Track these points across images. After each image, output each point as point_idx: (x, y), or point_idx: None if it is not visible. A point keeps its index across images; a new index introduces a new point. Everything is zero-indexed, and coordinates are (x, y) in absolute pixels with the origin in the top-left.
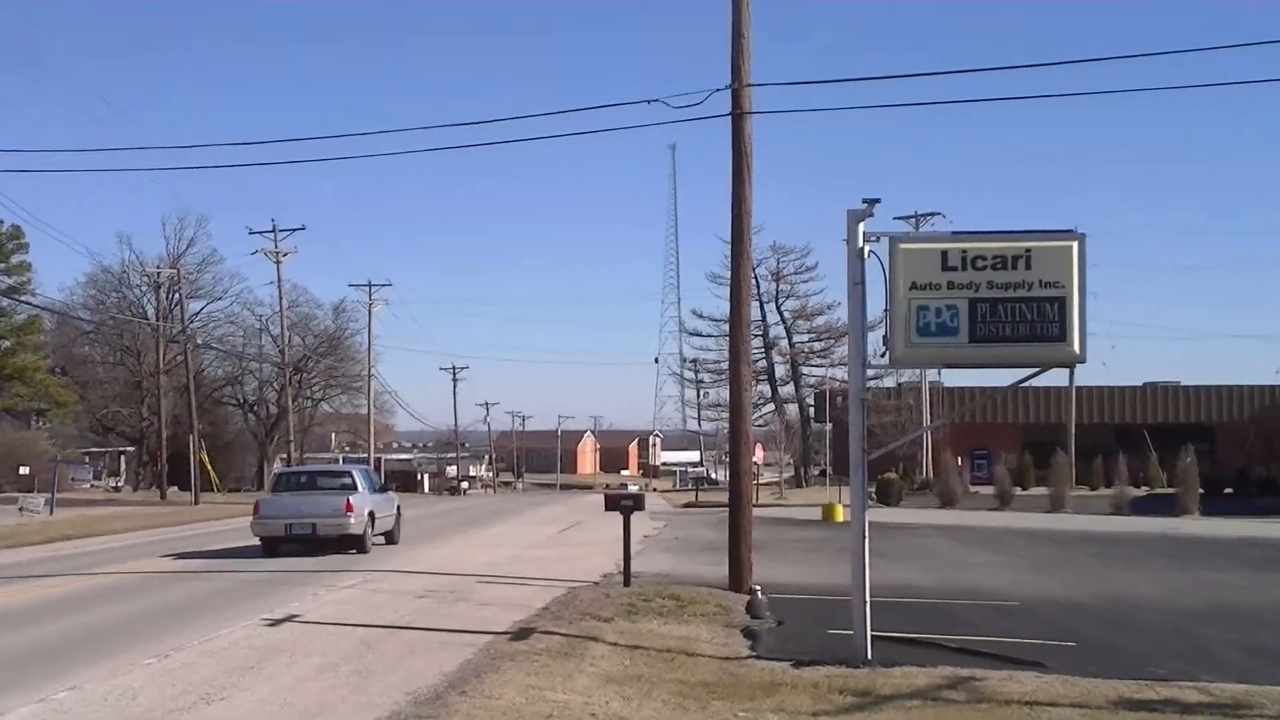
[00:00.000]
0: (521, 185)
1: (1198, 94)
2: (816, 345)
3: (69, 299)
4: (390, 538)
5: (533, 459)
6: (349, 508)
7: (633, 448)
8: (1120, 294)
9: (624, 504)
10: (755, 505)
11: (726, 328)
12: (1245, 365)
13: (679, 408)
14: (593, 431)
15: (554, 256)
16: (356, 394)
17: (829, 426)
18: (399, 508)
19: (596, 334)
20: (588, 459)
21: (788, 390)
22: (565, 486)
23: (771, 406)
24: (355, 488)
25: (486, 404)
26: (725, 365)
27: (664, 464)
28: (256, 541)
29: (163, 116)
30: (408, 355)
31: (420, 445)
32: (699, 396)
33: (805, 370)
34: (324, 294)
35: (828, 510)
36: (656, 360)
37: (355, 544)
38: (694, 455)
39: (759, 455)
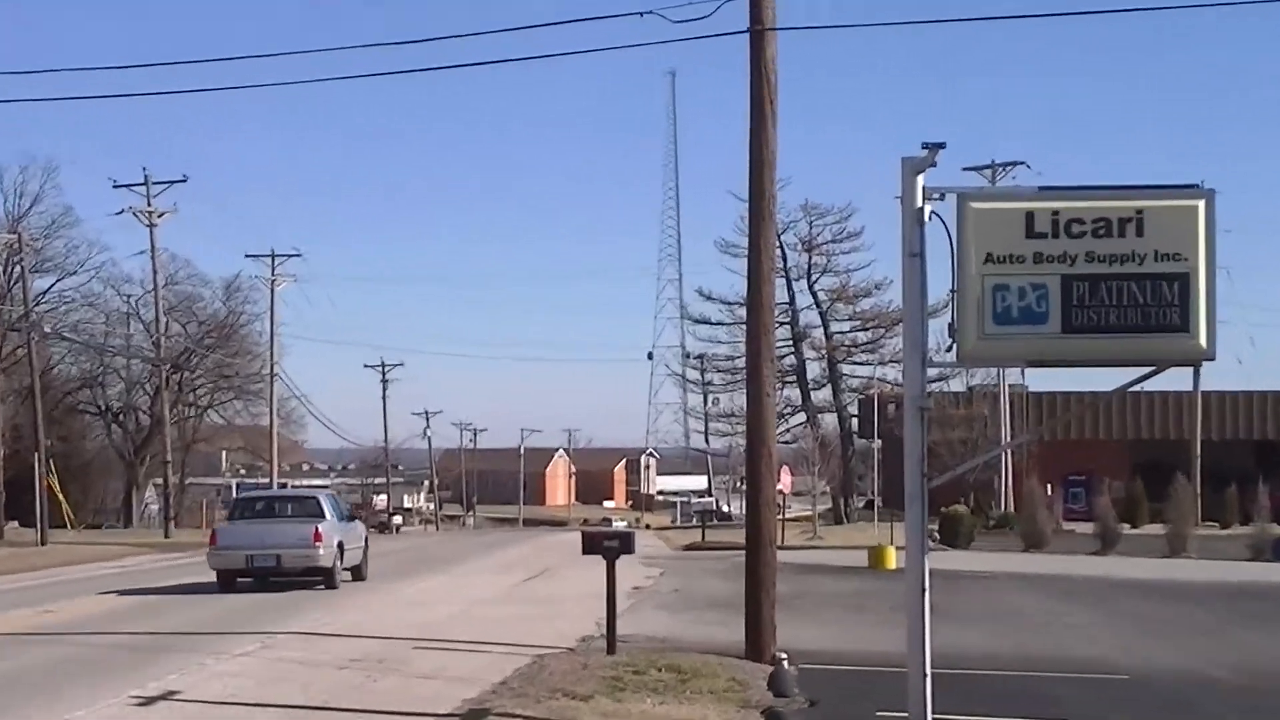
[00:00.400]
0: (473, 131)
1: None
2: (861, 337)
3: None
4: (358, 573)
5: (488, 486)
6: (317, 537)
7: (619, 471)
8: (1260, 270)
9: (607, 545)
10: (781, 547)
11: (742, 313)
12: None
13: (680, 419)
14: (566, 450)
15: (516, 224)
16: (255, 400)
17: (877, 444)
18: (367, 539)
19: (571, 322)
20: (560, 486)
21: (823, 396)
22: (531, 522)
23: (802, 417)
24: (323, 515)
25: (426, 413)
26: (741, 363)
27: (660, 493)
28: (113, 596)
29: None
30: (323, 349)
31: (340, 468)
32: (706, 404)
33: (846, 369)
34: (213, 268)
35: (875, 554)
36: (650, 356)
37: (323, 578)
38: (699, 481)
39: (786, 481)
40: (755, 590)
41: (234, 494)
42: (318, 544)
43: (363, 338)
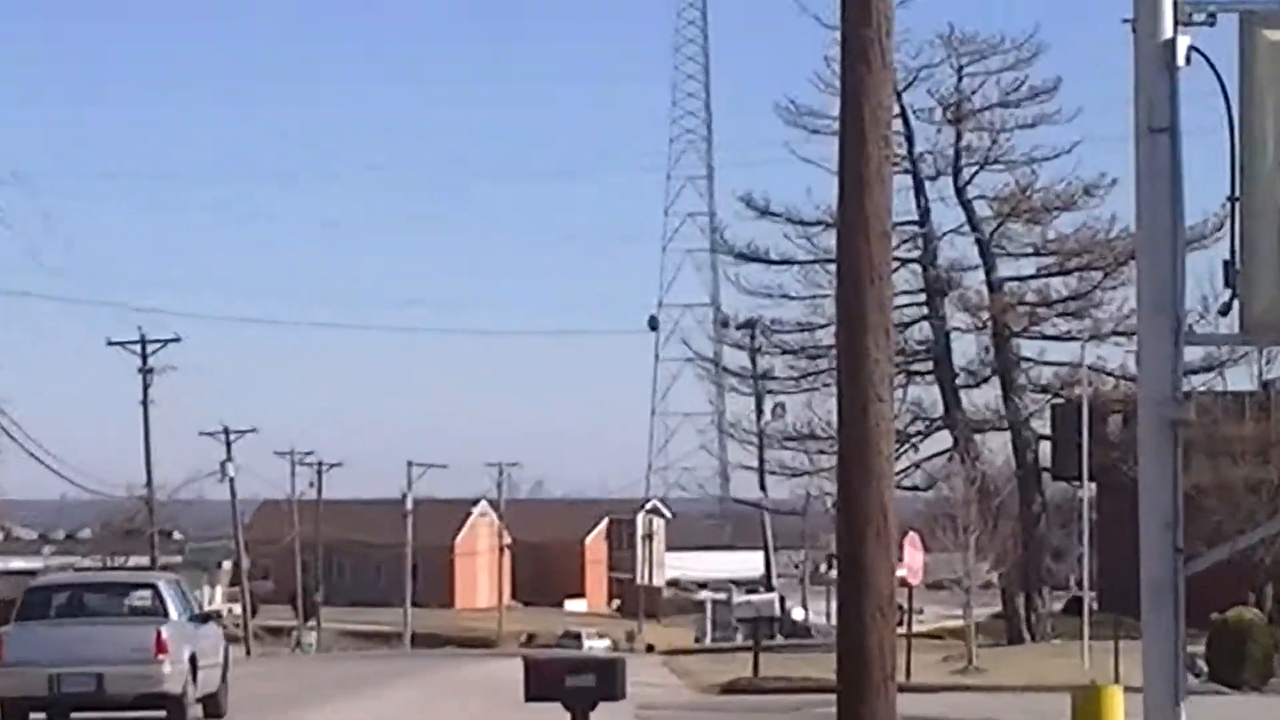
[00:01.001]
0: None
1: None
2: (1056, 287)
3: None
4: (214, 706)
5: (346, 572)
6: (160, 648)
7: (594, 543)
8: None
9: (572, 686)
10: (906, 688)
11: (827, 241)
12: None
13: (709, 443)
14: (494, 505)
15: (394, 103)
16: None
17: (1088, 491)
18: (227, 651)
19: (506, 269)
20: (484, 571)
21: (984, 399)
22: (428, 639)
23: (944, 440)
24: (165, 613)
25: (227, 433)
26: (823, 337)
27: (674, 584)
28: None
29: None
30: (31, 311)
31: (61, 536)
32: (760, 416)
33: (1029, 349)
34: None
35: (1086, 703)
36: (654, 324)
37: (169, 710)
38: (747, 562)
39: (915, 563)
40: None
41: None
42: (161, 657)
43: (109, 294)
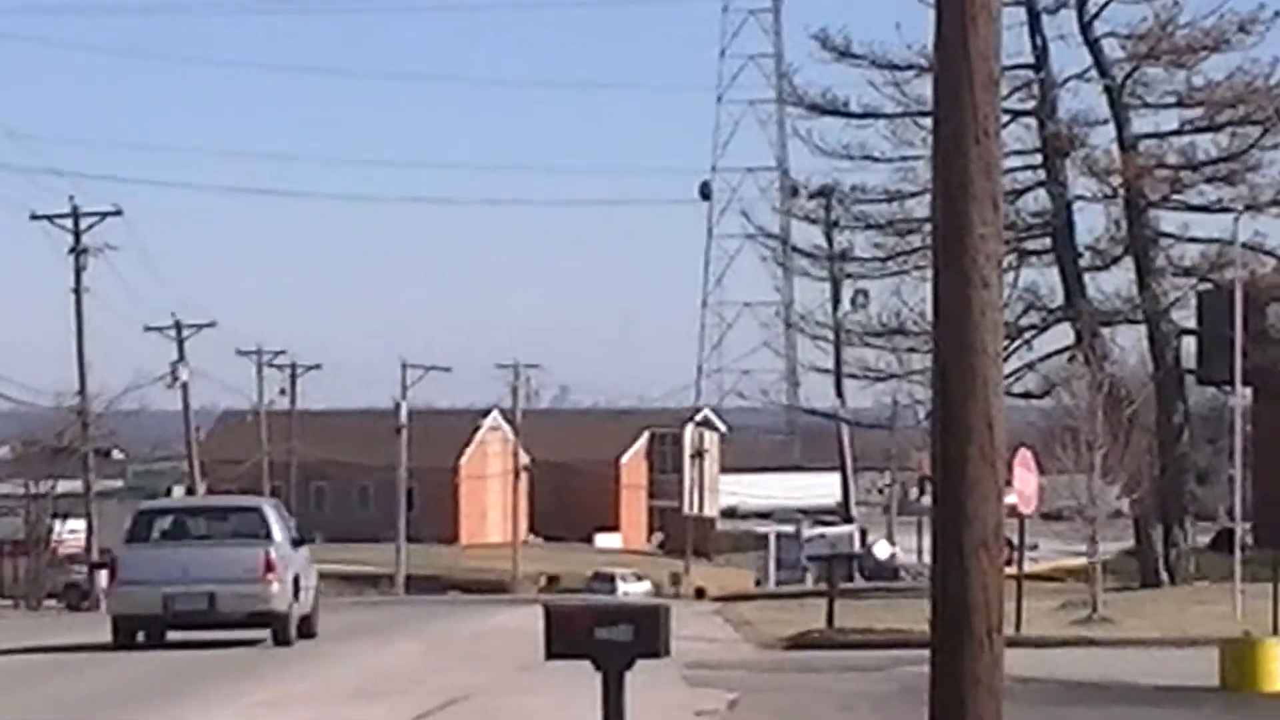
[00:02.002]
0: None
1: None
2: (1204, 146)
3: None
4: (307, 625)
5: (326, 498)
6: (268, 568)
7: (631, 461)
8: None
9: (602, 639)
10: (1015, 642)
11: (920, 89)
12: None
13: (774, 339)
14: (507, 415)
15: None
16: None
17: (1240, 396)
18: (318, 574)
19: (524, 121)
20: (494, 497)
21: (1114, 284)
22: (425, 581)
23: (1064, 334)
24: (269, 535)
25: (179, 327)
26: (915, 207)
27: (730, 512)
28: None
29: None
30: None
31: None
32: (836, 304)
33: (1169, 222)
34: None
35: (1240, 658)
36: (706, 192)
37: (275, 628)
38: (821, 485)
39: (1028, 487)
40: None
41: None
42: (269, 577)
43: (32, 157)
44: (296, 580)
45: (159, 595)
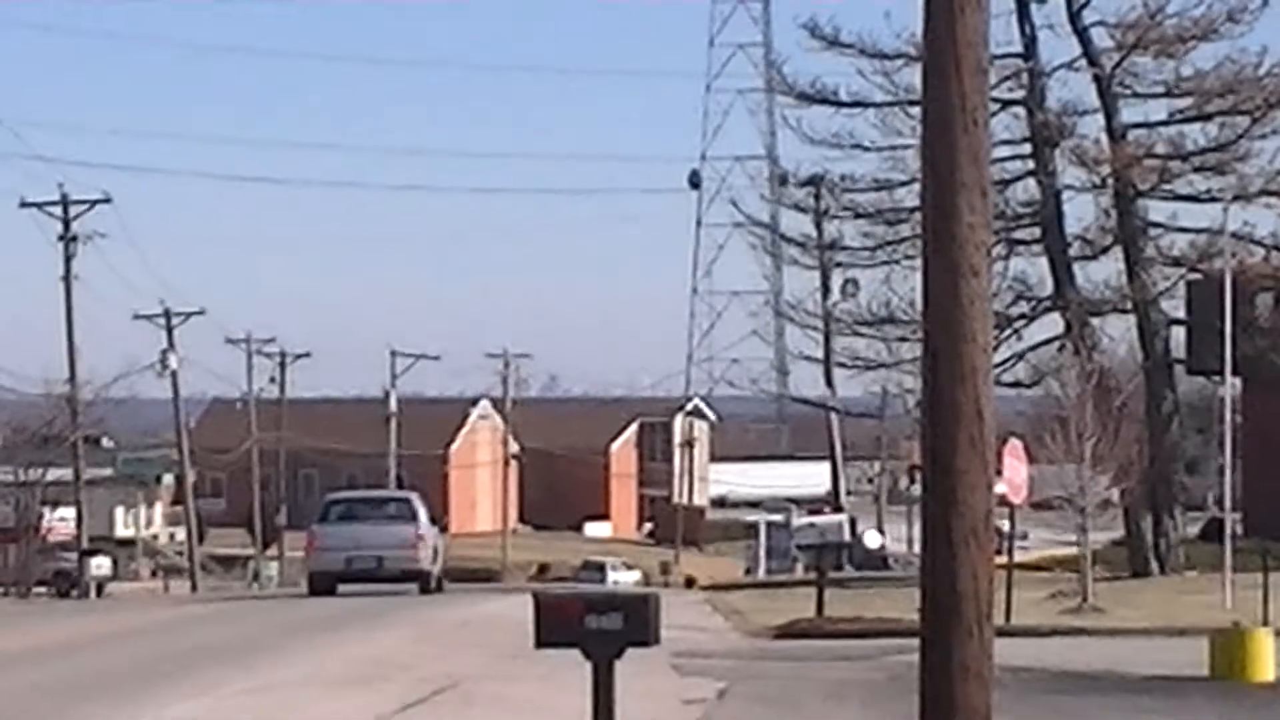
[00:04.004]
0: None
1: None
2: (1193, 136)
3: None
4: (440, 584)
5: (314, 487)
6: (418, 539)
7: (621, 450)
8: None
9: (592, 628)
10: (1005, 632)
11: (909, 78)
12: None
13: (763, 328)
14: (497, 404)
15: None
16: None
17: (1229, 385)
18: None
19: (514, 110)
20: (484, 486)
21: (1104, 274)
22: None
23: (1054, 324)
24: (416, 517)
25: (168, 314)
26: (904, 196)
27: (720, 501)
28: None
29: None
30: None
31: None
32: (826, 295)
33: (1159, 213)
34: None
35: (1229, 647)
36: (696, 181)
37: (421, 582)
38: (811, 474)
39: (1017, 477)
40: None
41: None
42: (419, 546)
43: (21, 144)
44: (435, 549)
45: (343, 558)
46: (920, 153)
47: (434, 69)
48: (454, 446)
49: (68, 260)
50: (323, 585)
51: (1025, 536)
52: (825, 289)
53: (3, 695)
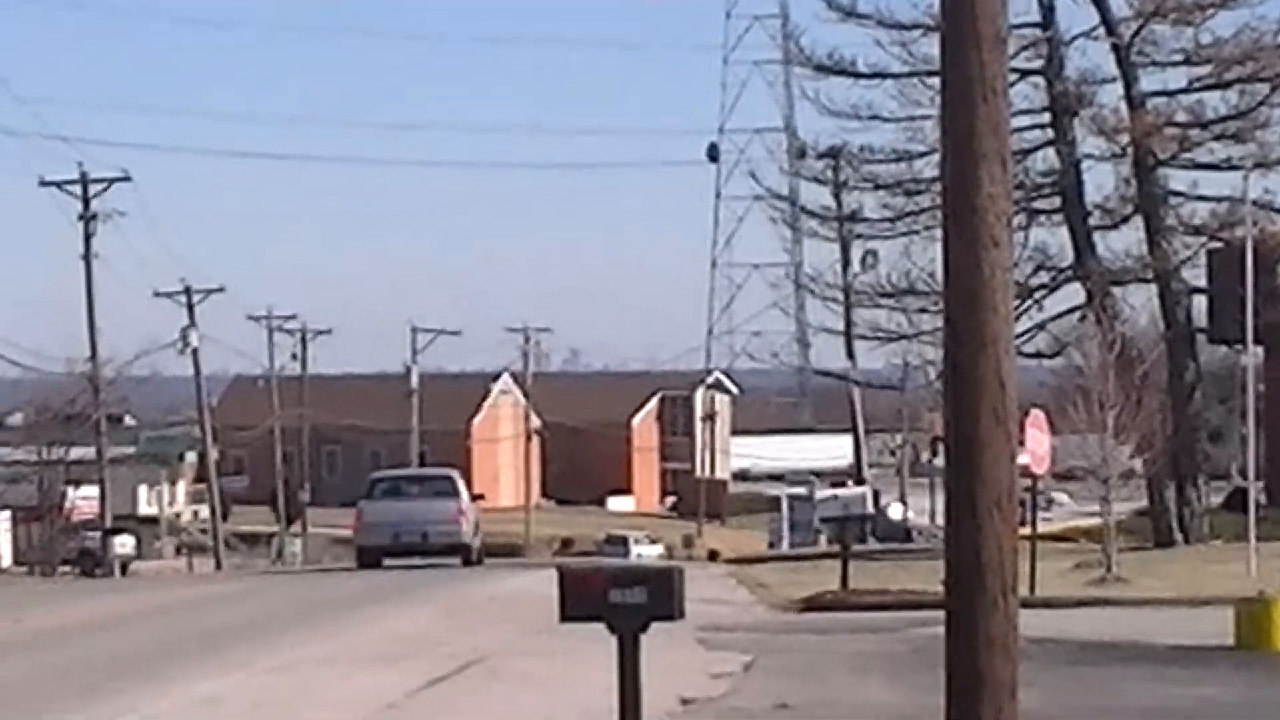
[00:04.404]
0: None
1: None
2: (1213, 104)
3: None
4: (480, 556)
5: (337, 464)
6: (460, 514)
7: (642, 424)
8: None
9: (616, 601)
10: (1029, 603)
11: (927, 49)
12: None
13: (784, 300)
14: (518, 379)
15: None
16: None
17: (1251, 354)
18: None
19: (530, 86)
20: (506, 460)
21: (1124, 243)
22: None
23: (1075, 294)
24: (457, 494)
25: (188, 292)
26: (924, 167)
27: (741, 475)
28: None
29: None
30: None
31: None
32: (846, 267)
33: (1179, 180)
34: None
35: (1255, 617)
36: (714, 154)
37: (463, 554)
38: (833, 447)
39: (1040, 448)
40: (969, 706)
41: None
42: (460, 521)
43: (42, 123)
44: (475, 523)
45: (390, 533)
46: (939, 123)
47: (451, 42)
48: (476, 421)
49: (88, 239)
50: (370, 559)
51: (1049, 507)
52: (845, 261)
53: (31, 673)
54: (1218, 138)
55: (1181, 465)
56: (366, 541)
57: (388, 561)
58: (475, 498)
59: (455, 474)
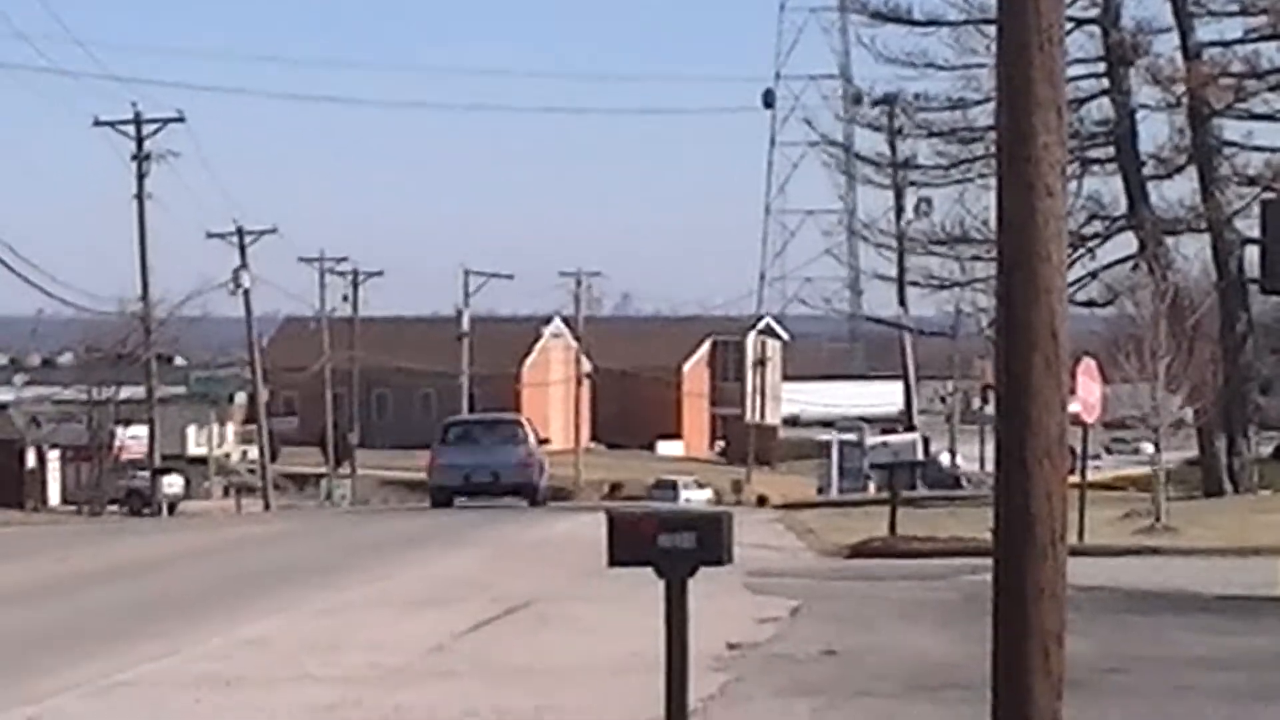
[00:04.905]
0: None
1: None
2: (1267, 49)
3: None
4: (545, 496)
5: (388, 406)
6: (528, 457)
7: (695, 369)
8: None
9: (665, 546)
10: (1078, 551)
11: None
12: None
13: (837, 248)
14: (569, 322)
15: None
16: None
17: None
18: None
19: (582, 34)
20: (557, 404)
21: (1178, 194)
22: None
23: (1128, 244)
24: (526, 438)
25: (240, 233)
26: (978, 116)
27: (792, 420)
28: None
29: None
30: (3, 89)
31: (40, 363)
32: (899, 214)
33: (1232, 131)
34: None
35: None
36: (769, 101)
37: (529, 495)
38: (884, 394)
39: (1091, 396)
40: (1017, 654)
41: None
42: (529, 462)
43: (95, 63)
44: (541, 465)
45: (462, 473)
46: (995, 71)
47: None
48: (527, 365)
49: (140, 179)
50: (442, 498)
51: (1099, 456)
52: (899, 208)
53: (81, 612)
54: (1273, 89)
55: (1232, 415)
56: (440, 481)
57: (440, 503)
58: (541, 442)
59: (525, 419)
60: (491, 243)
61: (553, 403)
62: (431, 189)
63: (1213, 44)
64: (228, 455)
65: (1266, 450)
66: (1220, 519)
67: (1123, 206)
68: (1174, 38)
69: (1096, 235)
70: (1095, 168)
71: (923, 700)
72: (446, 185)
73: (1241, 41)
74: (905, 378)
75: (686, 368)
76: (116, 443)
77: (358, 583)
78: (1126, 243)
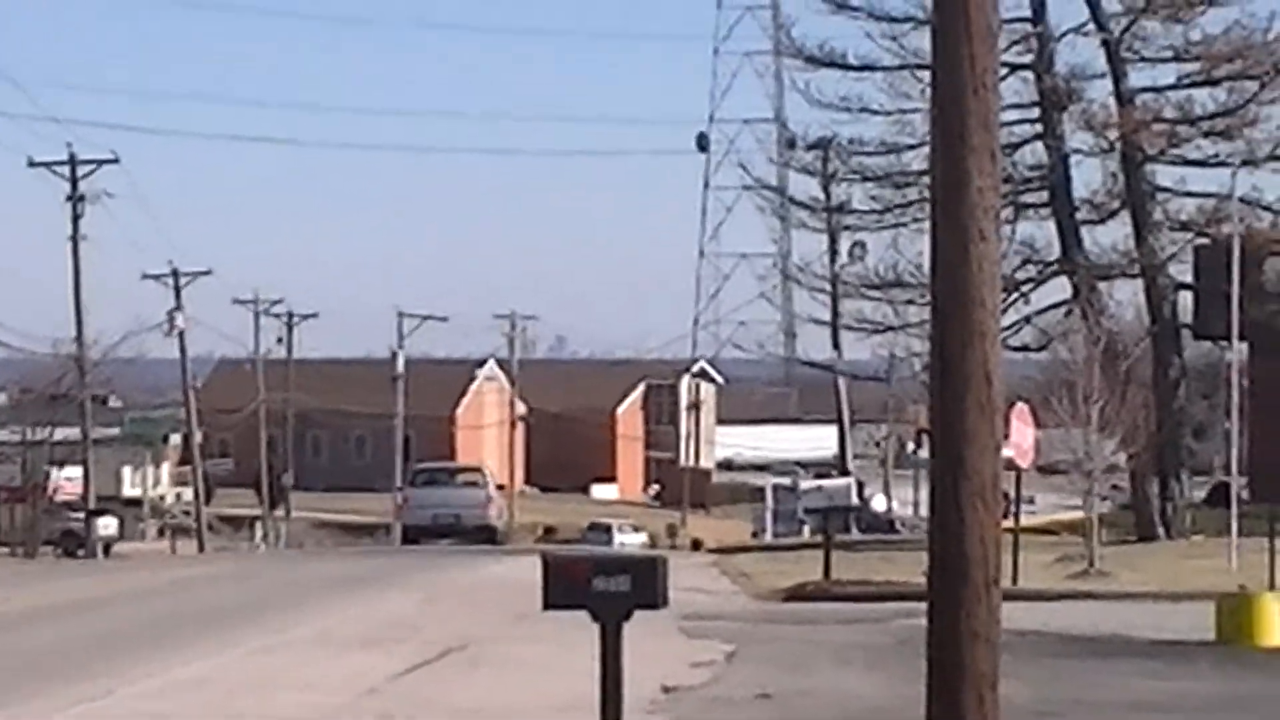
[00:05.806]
0: None
1: None
2: (1200, 95)
3: None
4: (504, 538)
5: (321, 449)
6: (488, 501)
7: (627, 413)
8: None
9: (600, 590)
10: (1012, 595)
11: (918, 42)
12: None
13: (771, 292)
14: (504, 365)
15: None
16: None
17: (1236, 350)
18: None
19: (524, 71)
20: (491, 448)
21: (1111, 238)
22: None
23: (1061, 289)
24: (485, 484)
25: (175, 275)
26: (913, 159)
27: (726, 464)
28: None
29: None
30: None
31: None
32: (834, 258)
33: (1165, 177)
34: None
35: (1236, 612)
36: (703, 144)
37: (490, 536)
38: (818, 438)
39: (1024, 440)
40: (952, 699)
41: None
42: (489, 507)
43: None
44: (500, 509)
45: (430, 514)
46: (929, 117)
47: (439, 31)
48: (461, 407)
49: (75, 220)
50: (412, 536)
51: (1032, 500)
52: (833, 252)
53: (19, 653)
54: (1206, 134)
55: (1165, 460)
56: (410, 521)
57: (369, 545)
58: (499, 487)
59: (485, 466)
60: (426, 285)
61: (487, 445)
62: (366, 230)
63: (1146, 90)
64: (162, 497)
65: (1199, 495)
66: (1153, 563)
67: (1056, 251)
68: (1108, 83)
69: (1030, 280)
70: (1029, 212)
71: None
72: (381, 227)
73: (1174, 87)
74: (840, 422)
75: (620, 411)
76: (51, 484)
77: (294, 624)
78: (1060, 287)
